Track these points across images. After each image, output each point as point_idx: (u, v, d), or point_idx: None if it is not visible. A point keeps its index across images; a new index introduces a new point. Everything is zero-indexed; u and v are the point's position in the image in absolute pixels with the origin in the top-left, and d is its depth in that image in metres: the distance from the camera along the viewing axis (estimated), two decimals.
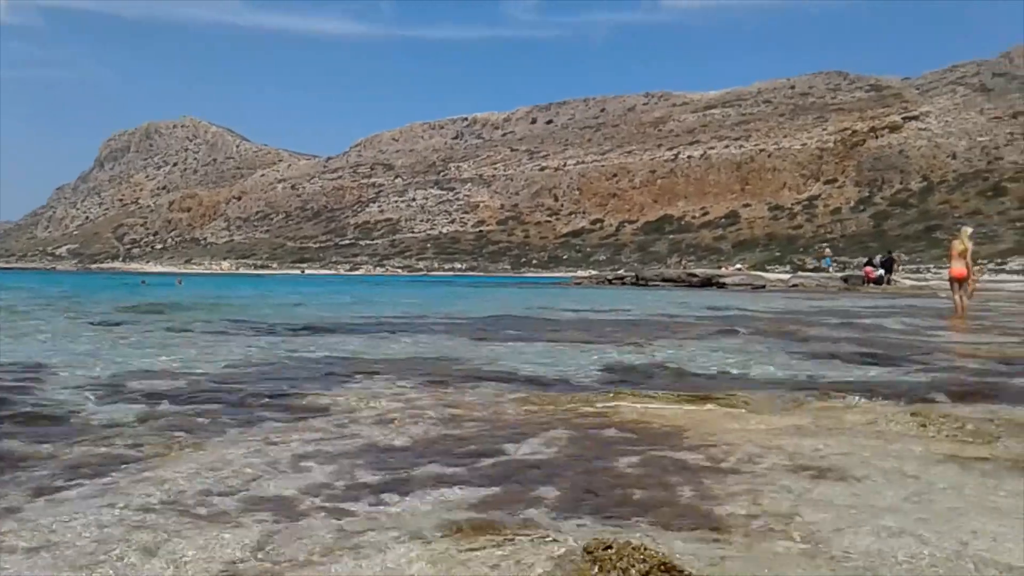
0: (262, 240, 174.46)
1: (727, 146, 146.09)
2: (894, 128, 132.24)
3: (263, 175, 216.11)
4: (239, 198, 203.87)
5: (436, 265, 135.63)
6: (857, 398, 5.09)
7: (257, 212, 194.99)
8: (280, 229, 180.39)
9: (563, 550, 2.30)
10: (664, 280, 45.10)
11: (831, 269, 41.67)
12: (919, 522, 2.60)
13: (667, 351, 8.78)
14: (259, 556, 2.39)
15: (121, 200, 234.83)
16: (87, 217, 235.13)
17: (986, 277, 43.73)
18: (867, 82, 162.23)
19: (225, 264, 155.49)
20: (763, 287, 39.66)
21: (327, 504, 2.91)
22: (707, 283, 41.90)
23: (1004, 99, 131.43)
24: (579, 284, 52.36)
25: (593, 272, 76.79)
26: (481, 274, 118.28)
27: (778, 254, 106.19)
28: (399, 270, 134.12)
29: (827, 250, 53.98)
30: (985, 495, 2.92)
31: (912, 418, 4.16)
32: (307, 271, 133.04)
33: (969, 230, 16.96)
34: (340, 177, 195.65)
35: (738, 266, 66.58)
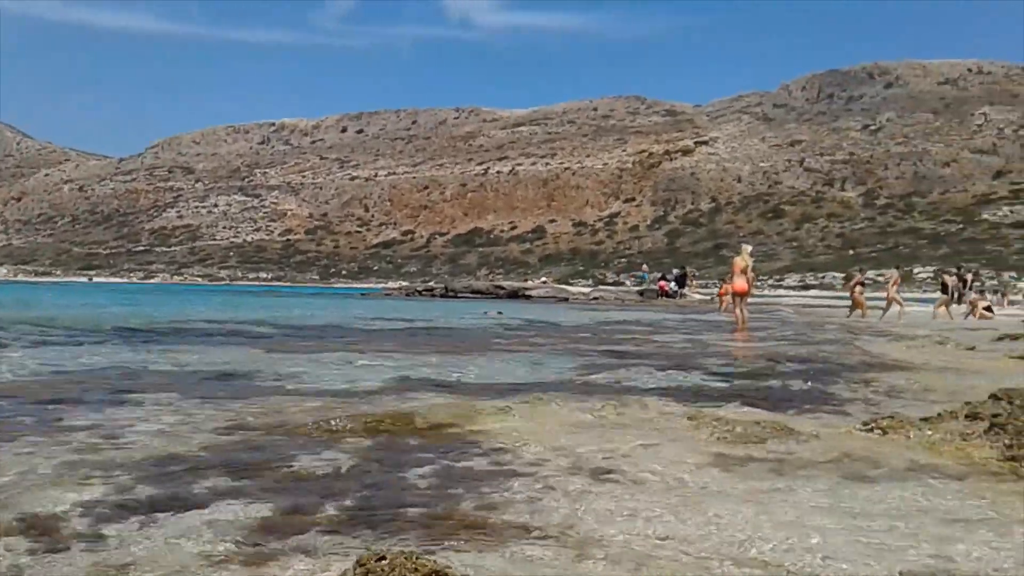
0: (45, 245, 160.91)
1: (534, 163, 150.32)
2: (687, 152, 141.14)
3: (47, 175, 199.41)
4: (19, 199, 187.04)
5: (240, 274, 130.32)
6: (649, 399, 5.40)
7: (40, 215, 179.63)
8: (65, 233, 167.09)
9: (337, 566, 2.31)
10: (473, 292, 45.73)
11: (647, 282, 43.71)
12: (681, 521, 2.80)
13: (473, 360, 8.92)
14: None
15: None
16: None
17: (766, 292, 47.43)
18: (663, 107, 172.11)
19: (2, 271, 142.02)
20: (566, 299, 41.11)
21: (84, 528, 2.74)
22: (514, 295, 42.89)
23: (783, 128, 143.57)
24: (389, 295, 52.05)
25: (404, 283, 76.59)
26: (288, 284, 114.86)
27: (581, 268, 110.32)
28: (199, 279, 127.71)
29: (644, 266, 56.75)
30: (746, 493, 3.19)
31: (688, 421, 4.46)
32: (95, 279, 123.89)
33: (749, 248, 18.38)
34: (135, 180, 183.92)
35: (544, 279, 68.56)
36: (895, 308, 22.56)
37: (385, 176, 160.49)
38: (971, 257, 64.76)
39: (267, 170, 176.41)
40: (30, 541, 2.56)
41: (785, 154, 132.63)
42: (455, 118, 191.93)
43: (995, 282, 59.85)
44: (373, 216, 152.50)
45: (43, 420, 4.76)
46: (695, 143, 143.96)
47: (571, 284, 66.92)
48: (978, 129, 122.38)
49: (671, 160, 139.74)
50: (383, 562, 2.22)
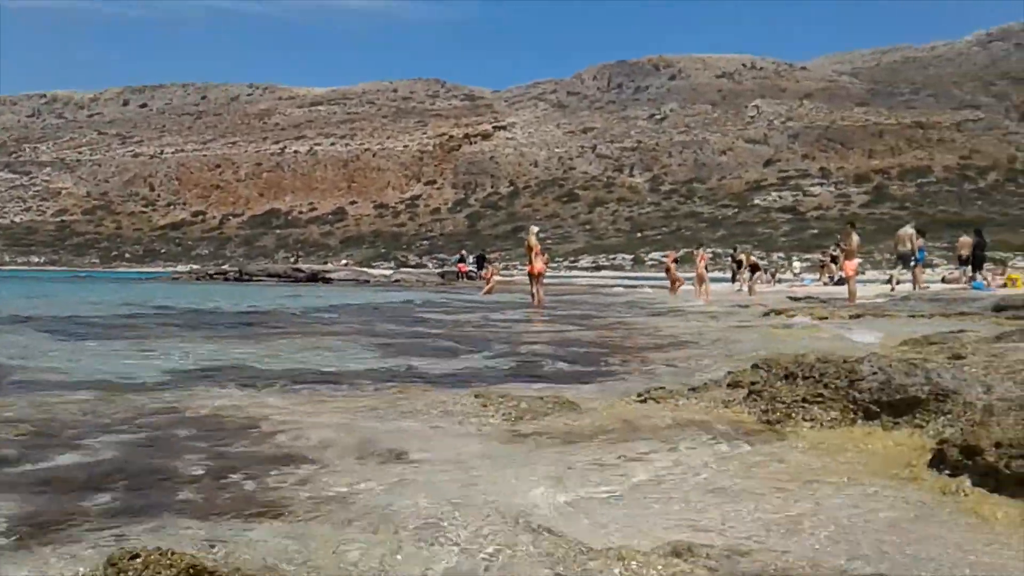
0: None
1: (333, 143, 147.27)
2: (486, 136, 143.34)
3: None
4: None
5: (8, 258, 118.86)
6: (440, 381, 5.46)
7: None
8: None
9: (86, 567, 2.18)
10: (269, 275, 44.21)
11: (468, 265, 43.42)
12: (465, 495, 2.86)
13: (253, 348, 8.63)
14: None
15: None
16: None
17: (561, 272, 49.10)
18: (462, 92, 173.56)
19: None
20: (368, 282, 40.72)
21: None
22: (313, 278, 41.90)
23: (576, 116, 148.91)
24: (177, 279, 49.37)
25: (195, 267, 72.88)
26: (64, 268, 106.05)
27: (383, 251, 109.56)
28: None
29: (463, 252, 57.12)
30: (526, 463, 3.30)
31: (476, 399, 4.55)
32: None
33: (535, 229, 19.00)
34: None
35: (345, 262, 67.56)
36: (700, 285, 24.18)
37: (172, 153, 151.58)
38: (744, 239, 70.15)
39: (38, 145, 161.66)
40: None
41: (579, 140, 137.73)
42: (248, 95, 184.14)
43: (766, 262, 65.20)
44: (160, 196, 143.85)
45: None
46: (494, 128, 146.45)
47: (373, 267, 66.38)
48: (751, 120, 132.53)
49: (471, 144, 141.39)
50: (136, 560, 2.11)
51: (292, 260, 69.72)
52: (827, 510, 2.67)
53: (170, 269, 79.17)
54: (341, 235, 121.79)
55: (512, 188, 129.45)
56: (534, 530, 2.44)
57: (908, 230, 22.32)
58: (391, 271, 51.14)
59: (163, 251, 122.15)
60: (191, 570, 2.07)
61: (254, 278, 44.00)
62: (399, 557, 2.26)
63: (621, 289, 31.96)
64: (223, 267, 56.94)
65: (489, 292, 26.23)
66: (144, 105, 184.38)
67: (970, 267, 22.82)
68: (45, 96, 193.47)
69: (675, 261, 26.67)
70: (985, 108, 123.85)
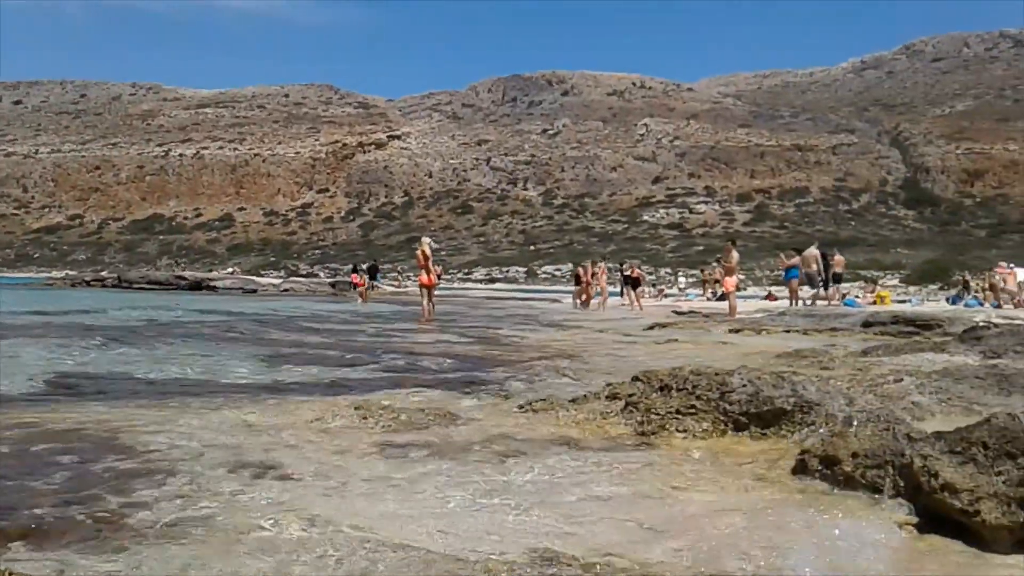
0: None
1: (221, 147, 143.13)
2: (380, 145, 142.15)
3: None
4: None
5: None
6: (320, 392, 5.37)
7: None
8: None
9: None
10: (151, 283, 42.69)
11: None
12: (333, 508, 2.83)
13: (125, 357, 8.30)
14: None
15: None
16: None
17: (456, 285, 49.04)
18: (356, 99, 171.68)
19: None
20: (255, 291, 39.76)
21: None
22: (197, 286, 40.69)
23: (471, 128, 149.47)
24: (51, 285, 47.00)
25: (71, 273, 69.48)
26: None
27: (273, 259, 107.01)
28: None
29: (361, 263, 56.19)
30: (404, 476, 3.29)
31: (356, 411, 4.50)
32: None
33: (428, 240, 18.98)
34: None
35: (232, 270, 65.71)
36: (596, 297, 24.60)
37: (48, 154, 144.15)
38: (634, 254, 71.83)
39: None
40: None
41: (473, 152, 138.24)
42: (131, 94, 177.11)
43: (653, 277, 66.83)
44: (34, 197, 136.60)
45: None
46: (388, 137, 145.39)
47: (262, 275, 64.80)
48: (640, 138, 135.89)
49: (365, 152, 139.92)
50: None
51: (176, 267, 67.38)
52: (691, 515, 2.77)
53: (44, 275, 75.15)
54: (228, 242, 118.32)
55: (406, 198, 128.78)
56: (401, 545, 2.44)
57: (813, 251, 23.02)
58: (280, 280, 50.05)
59: (36, 256, 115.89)
60: None
61: (134, 285, 42.36)
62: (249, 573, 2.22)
63: (514, 302, 32.22)
64: (101, 273, 54.57)
65: (364, 301, 26.14)
66: (18, 102, 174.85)
67: (828, 282, 23.42)
68: None
69: (593, 275, 26.66)
70: (859, 132, 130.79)
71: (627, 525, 2.69)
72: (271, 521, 2.65)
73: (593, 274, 26.77)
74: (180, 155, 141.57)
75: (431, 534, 2.58)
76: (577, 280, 27.14)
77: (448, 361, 8.22)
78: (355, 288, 40.53)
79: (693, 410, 4.43)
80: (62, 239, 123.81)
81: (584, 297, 26.17)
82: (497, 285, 74.88)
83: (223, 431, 4.13)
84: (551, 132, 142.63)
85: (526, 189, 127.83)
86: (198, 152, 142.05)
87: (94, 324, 13.93)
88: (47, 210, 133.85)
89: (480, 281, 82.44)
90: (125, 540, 2.47)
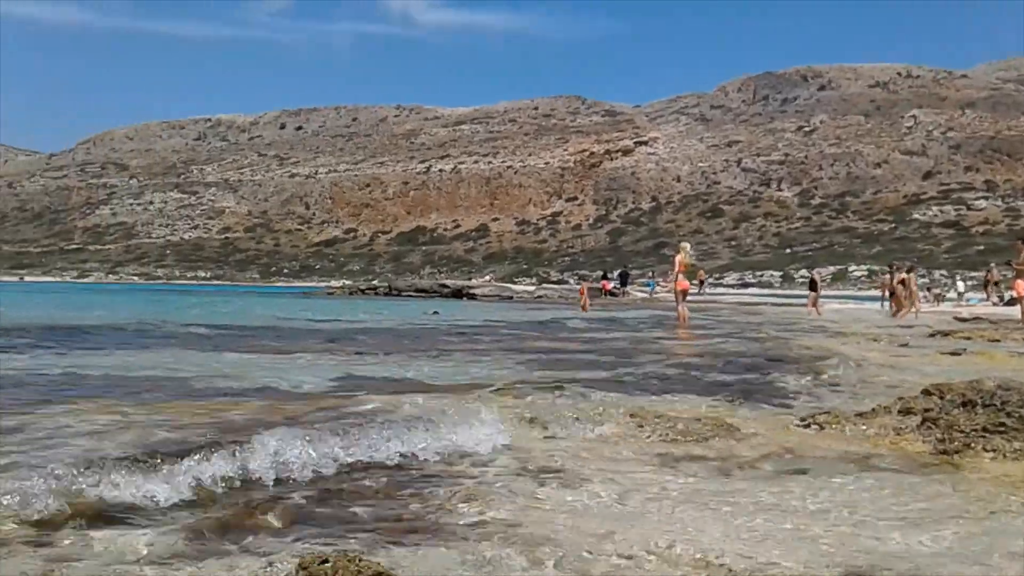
0: None
1: (476, 161, 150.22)
2: (627, 152, 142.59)
3: None
4: None
5: (177, 273, 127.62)
6: (593, 396, 5.42)
7: None
8: None
9: (278, 569, 2.25)
10: (417, 291, 45.54)
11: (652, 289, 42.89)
12: (620, 519, 2.81)
13: (417, 362, 8.86)
14: None
15: None
16: None
17: (706, 290, 47.92)
18: (602, 107, 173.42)
19: None
20: (511, 298, 41.22)
21: None
22: (458, 294, 42.82)
23: (720, 129, 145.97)
24: (332, 294, 51.54)
25: (347, 282, 75.86)
26: (228, 283, 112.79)
27: (525, 266, 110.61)
28: (135, 278, 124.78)
29: (650, 273, 56.84)
30: (689, 492, 3.22)
31: (631, 419, 4.49)
32: (27, 278, 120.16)
33: (687, 246, 18.67)
34: (66, 176, 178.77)
35: (488, 278, 68.65)
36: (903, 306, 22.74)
37: (326, 174, 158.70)
38: (903, 255, 66.65)
39: (204, 167, 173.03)
40: None
41: (723, 154, 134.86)
42: (396, 116, 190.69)
43: (926, 279, 61.65)
44: (314, 214, 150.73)
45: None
46: (635, 143, 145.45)
47: (515, 283, 67.12)
48: (908, 131, 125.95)
49: (612, 160, 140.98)
50: (326, 565, 2.18)
51: (438, 276, 71.49)
52: (1014, 541, 2.48)
53: (323, 284, 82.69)
54: (484, 251, 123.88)
55: (654, 203, 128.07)
56: (705, 563, 2.37)
57: None
58: (533, 287, 51.56)
59: (317, 267, 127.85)
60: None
61: (402, 293, 45.47)
62: None
63: (770, 308, 30.98)
64: (373, 283, 59.11)
65: (584, 308, 26.14)
66: (300, 128, 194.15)
67: None
68: (210, 120, 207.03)
69: (902, 283, 24.29)
70: None
71: (941, 548, 2.46)
72: (561, 527, 2.69)
73: (901, 281, 24.45)
74: (440, 170, 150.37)
75: (720, 550, 2.49)
76: (812, 287, 25.35)
77: (712, 368, 8.02)
78: (604, 294, 40.91)
79: (1002, 428, 4.02)
80: (339, 251, 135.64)
81: (895, 307, 24.00)
82: (751, 290, 72.39)
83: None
84: (807, 129, 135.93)
85: (780, 190, 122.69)
86: (455, 167, 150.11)
87: (371, 329, 15.07)
88: (326, 225, 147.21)
89: (732, 286, 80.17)
90: (433, 536, 2.60)
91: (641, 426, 4.37)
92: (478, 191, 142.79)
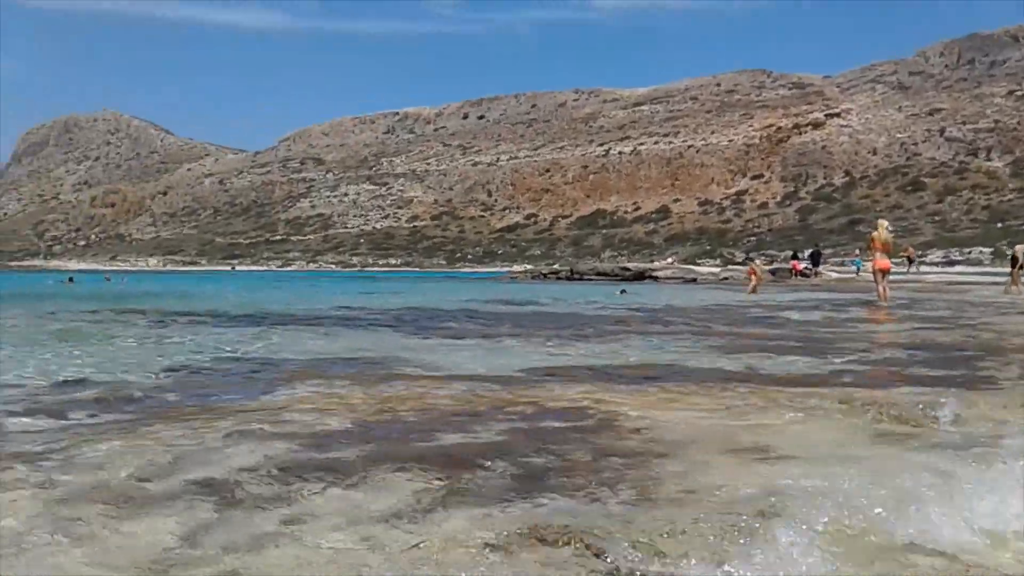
0: (190, 236, 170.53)
1: (656, 142, 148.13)
2: (817, 125, 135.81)
3: (189, 169, 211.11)
4: (165, 193, 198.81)
5: (371, 261, 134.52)
6: (791, 384, 5.31)
7: (184, 208, 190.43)
8: (208, 225, 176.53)
9: (497, 537, 2.36)
10: (598, 274, 45.65)
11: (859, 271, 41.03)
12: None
13: (611, 344, 8.95)
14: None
15: (40, 196, 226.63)
16: (4, 213, 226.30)
17: (910, 269, 44.89)
18: (790, 80, 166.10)
19: (152, 261, 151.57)
20: (695, 280, 40.48)
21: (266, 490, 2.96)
22: (640, 276, 42.55)
23: (921, 97, 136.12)
24: (515, 279, 52.58)
25: (528, 267, 77.12)
26: (416, 269, 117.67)
27: (708, 247, 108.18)
28: (332, 266, 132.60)
29: (856, 251, 54.34)
30: (901, 470, 3.11)
31: (840, 405, 4.36)
32: (237, 267, 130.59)
33: (886, 223, 17.63)
34: (269, 172, 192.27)
35: (670, 260, 67.71)
36: None
37: (507, 160, 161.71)
38: None
39: (393, 159, 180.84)
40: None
41: (924, 124, 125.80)
42: (575, 100, 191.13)
43: None
44: (496, 201, 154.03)
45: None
46: (826, 116, 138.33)
47: (698, 264, 65.80)
48: None
49: (800, 134, 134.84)
50: (543, 541, 2.27)
51: (619, 259, 71.24)
52: None
53: (506, 269, 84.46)
54: (665, 233, 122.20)
55: (847, 178, 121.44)
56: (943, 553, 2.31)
57: None
58: (718, 268, 50.36)
59: (500, 252, 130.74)
60: (588, 549, 2.21)
61: (584, 277, 45.69)
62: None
63: (983, 287, 28.70)
64: (554, 267, 59.73)
65: (753, 291, 24.96)
66: (482, 117, 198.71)
67: None
68: (398, 113, 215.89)
69: None
70: None
71: None
72: (768, 502, 2.68)
73: None
74: (619, 153, 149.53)
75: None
76: (1013, 263, 23.16)
77: (921, 352, 7.60)
78: (795, 275, 39.36)
79: None
80: (519, 236, 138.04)
81: None
82: (957, 268, 67.36)
83: (705, 415, 4.27)
84: (1020, 93, 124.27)
85: (989, 160, 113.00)
86: (635, 149, 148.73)
87: (556, 315, 15.30)
88: (507, 211, 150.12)
89: (936, 264, 74.87)
90: (653, 507, 2.67)
91: (851, 412, 4.24)
92: (659, 172, 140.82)
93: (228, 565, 2.27)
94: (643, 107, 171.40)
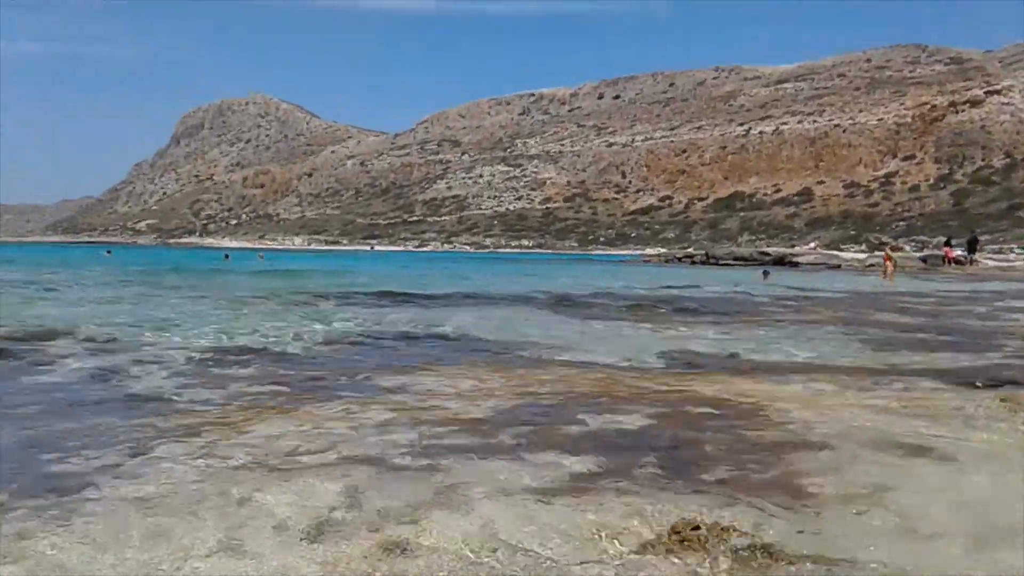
0: (333, 216, 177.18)
1: (800, 121, 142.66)
2: (975, 103, 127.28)
3: (333, 151, 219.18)
4: (310, 174, 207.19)
5: (503, 242, 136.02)
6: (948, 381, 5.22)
7: (328, 188, 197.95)
8: (350, 205, 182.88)
9: (650, 529, 2.48)
10: (736, 259, 44.71)
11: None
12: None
13: (757, 332, 8.92)
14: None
15: (197, 176, 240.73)
16: (164, 193, 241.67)
17: None
18: (946, 55, 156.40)
19: (298, 240, 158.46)
20: (838, 267, 39.06)
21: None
22: (780, 262, 41.37)
23: None
24: (648, 262, 52.14)
25: (662, 250, 76.17)
26: (549, 251, 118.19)
27: (853, 232, 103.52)
28: (467, 247, 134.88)
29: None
30: None
31: (1001, 403, 4.30)
32: (376, 247, 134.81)
33: None
34: (408, 154, 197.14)
35: (812, 244, 65.43)
36: None
37: (642, 141, 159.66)
38: None
39: (527, 140, 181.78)
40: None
41: None
42: (714, 78, 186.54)
43: None
44: (630, 182, 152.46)
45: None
46: (985, 93, 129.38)
47: (842, 250, 63.29)
48: None
49: (957, 113, 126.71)
50: (698, 531, 2.34)
51: (757, 243, 69.36)
52: None
53: (638, 252, 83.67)
54: (807, 217, 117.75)
55: (1008, 160, 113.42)
56: None
57: None
58: (863, 255, 48.31)
59: (633, 235, 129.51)
60: (761, 548, 2.27)
61: (720, 261, 44.83)
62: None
63: None
64: (689, 250, 58.83)
65: (888, 277, 23.72)
66: (617, 97, 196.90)
67: None
68: (533, 95, 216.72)
69: None
70: None
71: None
72: (920, 498, 2.74)
73: None
74: (760, 132, 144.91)
75: None
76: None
77: None
78: (948, 262, 37.32)
79: None
80: (654, 219, 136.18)
81: None
82: None
83: (861, 411, 4.30)
84: None
85: None
86: (777, 128, 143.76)
87: (696, 298, 15.22)
88: (641, 193, 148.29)
89: None
90: (806, 503, 2.79)
91: (1015, 411, 4.18)
92: (801, 152, 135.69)
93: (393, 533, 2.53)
94: (786, 85, 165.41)
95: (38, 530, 2.52)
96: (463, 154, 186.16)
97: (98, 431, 3.95)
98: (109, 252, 59.91)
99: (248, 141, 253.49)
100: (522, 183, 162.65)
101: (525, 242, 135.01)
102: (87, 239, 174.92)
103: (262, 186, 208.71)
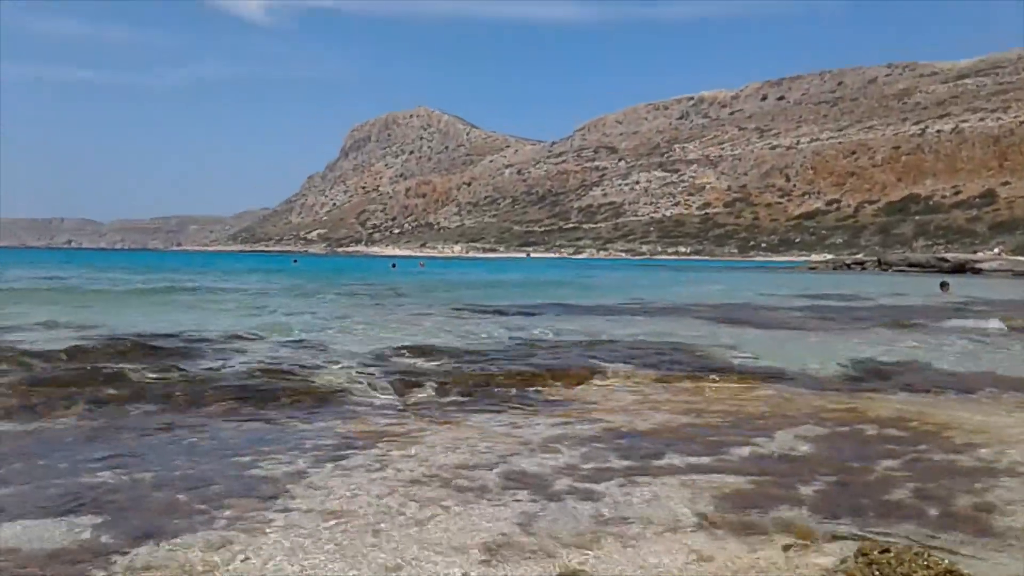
0: (490, 224, 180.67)
1: (982, 119, 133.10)
2: None
3: (491, 161, 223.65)
4: (469, 184, 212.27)
5: (660, 249, 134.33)
6: None
7: (485, 197, 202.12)
8: (507, 213, 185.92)
9: (834, 553, 2.32)
10: (910, 265, 42.25)
11: None
12: None
13: (933, 342, 8.33)
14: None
15: (363, 187, 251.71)
16: (334, 204, 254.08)
17: None
18: None
19: (456, 248, 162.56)
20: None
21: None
22: (960, 269, 38.77)
23: None
24: (814, 269, 50.10)
25: (829, 256, 73.04)
26: (707, 258, 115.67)
27: None
28: (622, 254, 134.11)
29: None
30: None
31: None
32: (532, 255, 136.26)
33: None
34: (564, 161, 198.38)
35: (996, 250, 60.92)
36: None
37: (808, 143, 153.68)
38: None
39: (686, 145, 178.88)
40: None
41: None
42: (886, 75, 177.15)
43: None
44: (795, 186, 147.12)
45: None
46: None
47: None
48: None
49: None
50: (887, 555, 2.19)
51: (934, 248, 65.30)
52: None
53: (803, 259, 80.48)
54: (990, 220, 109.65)
55: None
56: None
57: None
58: None
59: (797, 240, 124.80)
60: (948, 575, 2.09)
61: (893, 267, 42.52)
62: None
63: None
64: (858, 256, 56.05)
65: None
66: (781, 98, 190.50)
67: None
68: (692, 98, 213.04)
69: None
70: None
71: None
72: None
73: None
74: (937, 131, 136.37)
75: None
76: None
77: None
78: None
79: None
80: (820, 224, 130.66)
81: None
82: None
83: None
84: None
85: None
86: (956, 126, 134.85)
87: (871, 307, 14.38)
88: (806, 197, 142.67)
89: None
90: (987, 536, 2.50)
91: None
92: (984, 152, 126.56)
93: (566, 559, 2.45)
94: (967, 80, 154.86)
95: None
96: (620, 160, 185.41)
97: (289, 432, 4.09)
98: (296, 261, 64.74)
99: (412, 152, 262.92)
100: (679, 188, 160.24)
101: (682, 248, 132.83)
102: (263, 248, 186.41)
103: (424, 196, 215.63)
